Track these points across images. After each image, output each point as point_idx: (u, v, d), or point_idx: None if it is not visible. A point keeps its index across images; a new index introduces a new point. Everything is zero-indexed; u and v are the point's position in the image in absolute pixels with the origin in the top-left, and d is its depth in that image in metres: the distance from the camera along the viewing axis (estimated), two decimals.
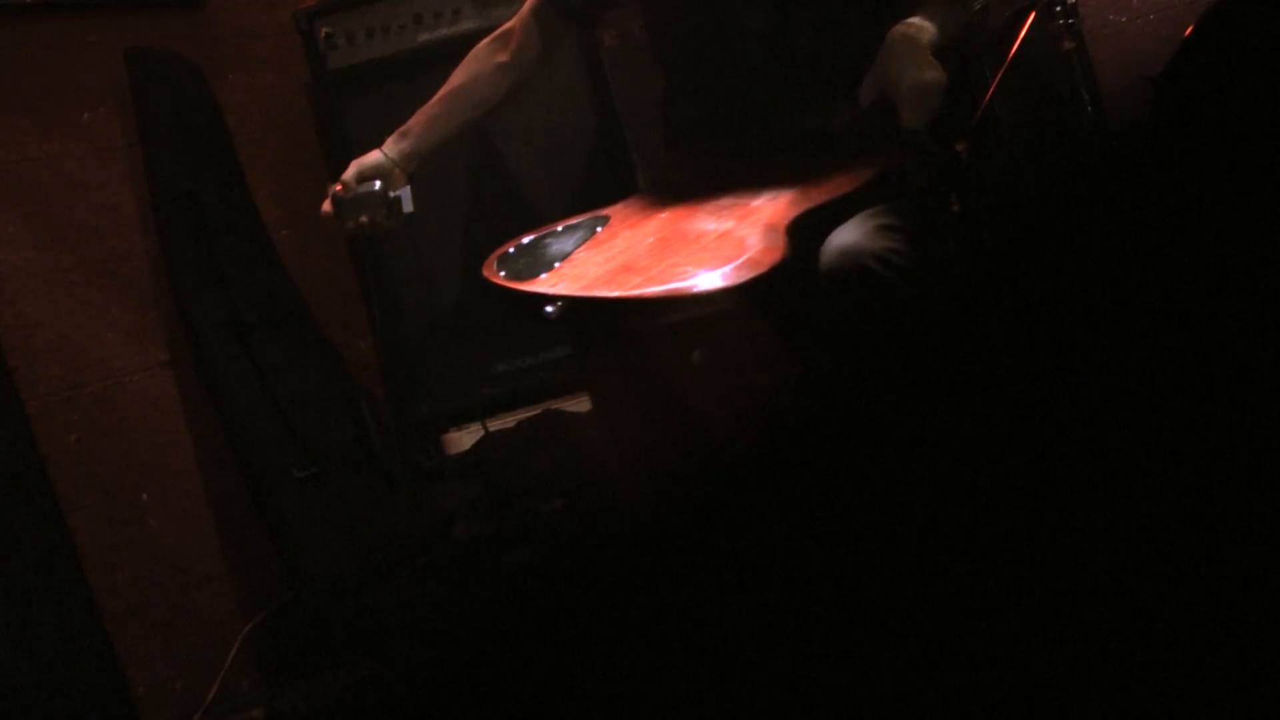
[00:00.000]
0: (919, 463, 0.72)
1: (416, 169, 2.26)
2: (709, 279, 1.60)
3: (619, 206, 2.02)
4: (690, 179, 2.04)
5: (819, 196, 1.80)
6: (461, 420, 2.95)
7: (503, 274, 1.82)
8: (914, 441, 0.72)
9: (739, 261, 1.62)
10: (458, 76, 2.32)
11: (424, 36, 2.94)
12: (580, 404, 2.71)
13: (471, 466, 2.87)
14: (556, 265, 1.79)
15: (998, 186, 2.21)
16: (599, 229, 1.92)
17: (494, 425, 2.90)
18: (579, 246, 1.85)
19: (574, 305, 1.68)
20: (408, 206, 2.23)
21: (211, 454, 2.77)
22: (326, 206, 2.21)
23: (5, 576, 2.22)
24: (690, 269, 1.64)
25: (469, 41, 2.89)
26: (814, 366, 1.61)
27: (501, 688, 0.76)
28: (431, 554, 2.73)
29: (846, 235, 1.72)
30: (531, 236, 1.96)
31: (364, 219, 2.18)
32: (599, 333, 1.85)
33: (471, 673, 0.78)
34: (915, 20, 1.89)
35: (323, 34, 2.93)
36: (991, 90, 2.21)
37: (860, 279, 1.66)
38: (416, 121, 2.28)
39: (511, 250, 1.92)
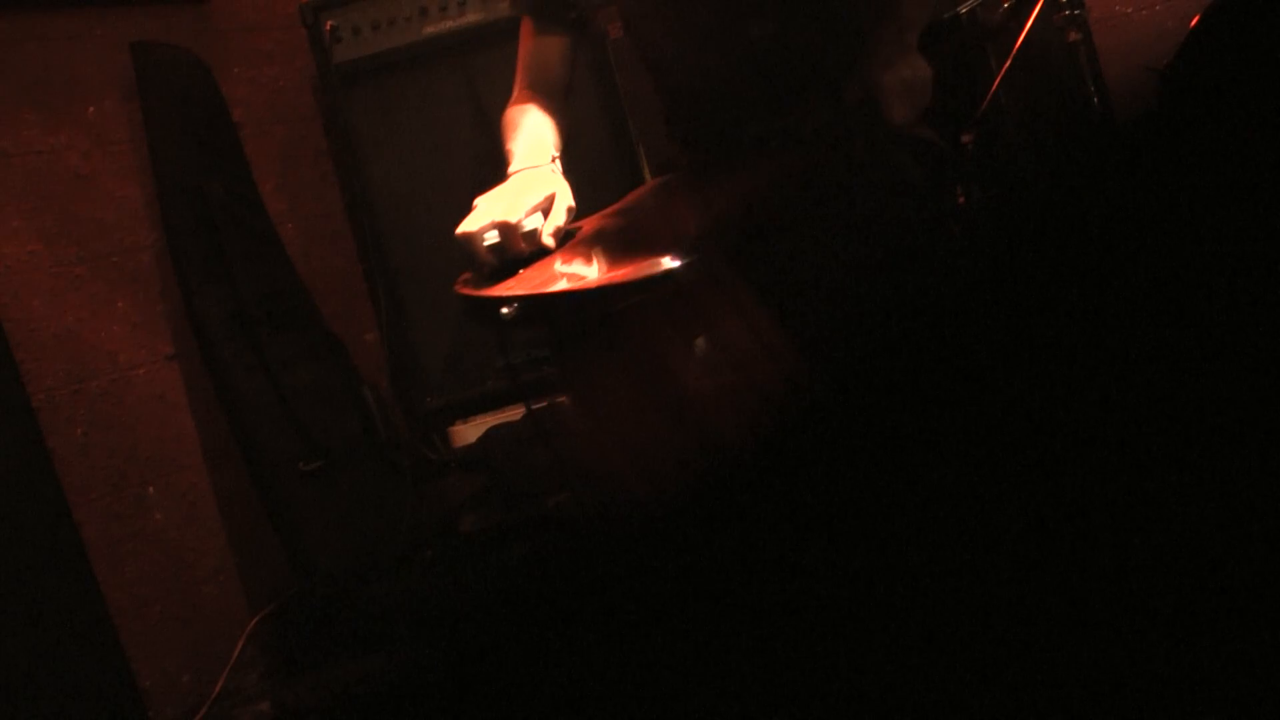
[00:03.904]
0: (920, 458, 0.72)
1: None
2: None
3: (594, 217, 2.01)
4: (664, 183, 2.05)
5: (735, 201, 1.79)
6: (467, 413, 2.96)
7: (467, 285, 1.81)
8: (916, 437, 0.72)
9: (612, 274, 1.62)
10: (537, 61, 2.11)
11: (429, 30, 2.95)
12: None
13: (477, 460, 2.87)
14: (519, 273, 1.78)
15: (1003, 178, 2.21)
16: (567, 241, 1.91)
17: (498, 419, 2.90)
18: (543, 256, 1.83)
19: (536, 307, 1.67)
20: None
21: (217, 448, 2.78)
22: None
23: (12, 570, 2.23)
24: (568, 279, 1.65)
25: (474, 35, 2.90)
26: (814, 360, 1.61)
27: (507, 680, 0.76)
28: (438, 547, 2.74)
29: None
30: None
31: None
32: (569, 334, 1.83)
33: (477, 666, 0.78)
34: (899, 16, 1.88)
35: (328, 27, 2.93)
36: (997, 82, 2.21)
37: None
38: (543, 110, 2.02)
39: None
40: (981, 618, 0.69)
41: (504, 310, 1.62)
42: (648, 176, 2.87)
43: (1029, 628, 0.68)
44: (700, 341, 1.72)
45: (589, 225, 1.95)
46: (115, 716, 2.37)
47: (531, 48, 2.13)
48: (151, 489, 2.66)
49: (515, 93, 2.13)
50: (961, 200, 2.11)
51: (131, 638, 2.51)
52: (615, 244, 1.78)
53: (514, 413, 2.88)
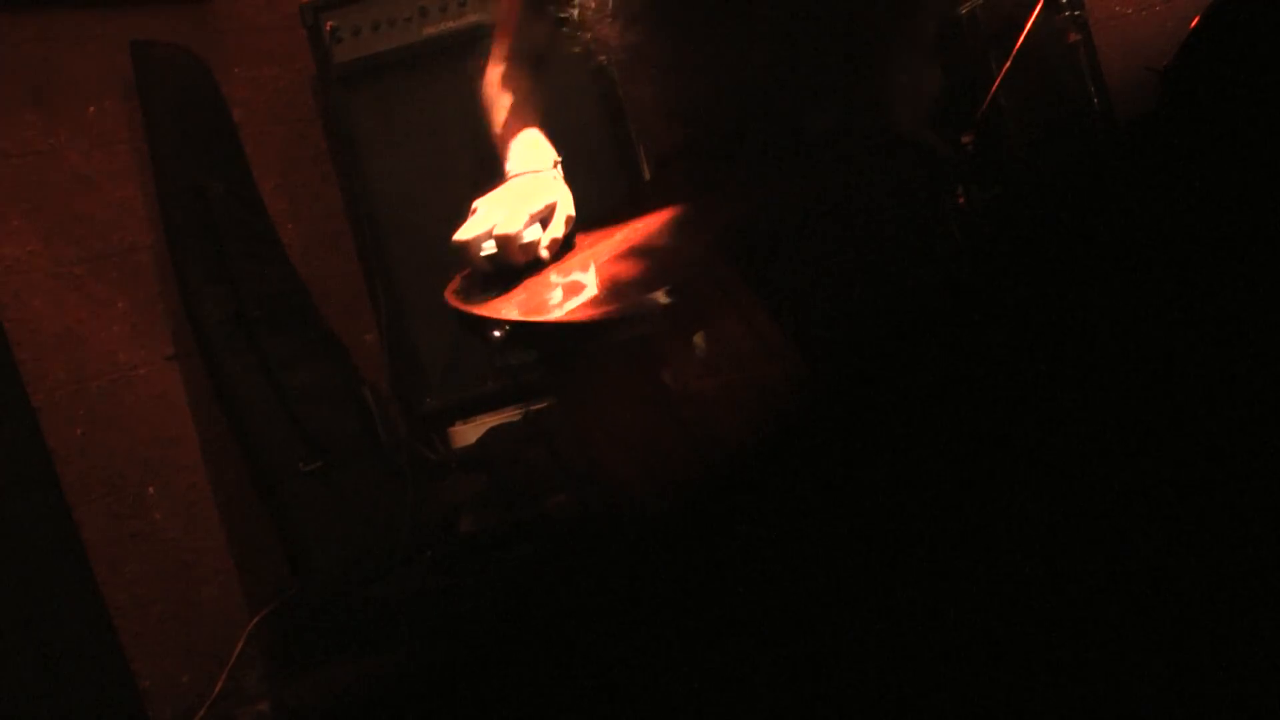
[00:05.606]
0: (921, 458, 0.72)
1: None
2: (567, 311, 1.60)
3: (594, 233, 1.99)
4: (665, 195, 2.04)
5: (739, 213, 1.78)
6: (467, 414, 2.96)
7: (459, 294, 1.79)
8: (916, 436, 0.72)
9: (577, 303, 1.60)
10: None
11: (429, 30, 2.95)
12: None
13: (477, 460, 2.87)
14: (506, 289, 1.76)
15: (1003, 178, 2.21)
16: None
17: (498, 420, 2.90)
18: (531, 273, 1.81)
19: (526, 333, 1.66)
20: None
21: (217, 448, 2.78)
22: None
23: (12, 570, 2.23)
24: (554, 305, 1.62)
25: (474, 35, 2.90)
26: (815, 360, 1.61)
27: (506, 682, 0.76)
28: (437, 547, 2.74)
29: None
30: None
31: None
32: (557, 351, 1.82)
33: (477, 666, 0.78)
34: (909, 21, 1.87)
35: (328, 28, 2.93)
36: (997, 83, 2.21)
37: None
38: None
39: (468, 275, 1.89)
40: (981, 617, 0.69)
41: (495, 333, 1.61)
42: (647, 176, 2.86)
43: (1028, 627, 0.68)
44: (700, 341, 1.72)
45: (588, 240, 1.92)
46: (115, 716, 2.37)
47: (518, 14, 2.09)
48: (151, 489, 2.66)
49: (497, 58, 2.08)
50: (961, 200, 2.11)
51: (131, 638, 2.51)
52: (615, 264, 1.76)
53: (514, 413, 2.88)
